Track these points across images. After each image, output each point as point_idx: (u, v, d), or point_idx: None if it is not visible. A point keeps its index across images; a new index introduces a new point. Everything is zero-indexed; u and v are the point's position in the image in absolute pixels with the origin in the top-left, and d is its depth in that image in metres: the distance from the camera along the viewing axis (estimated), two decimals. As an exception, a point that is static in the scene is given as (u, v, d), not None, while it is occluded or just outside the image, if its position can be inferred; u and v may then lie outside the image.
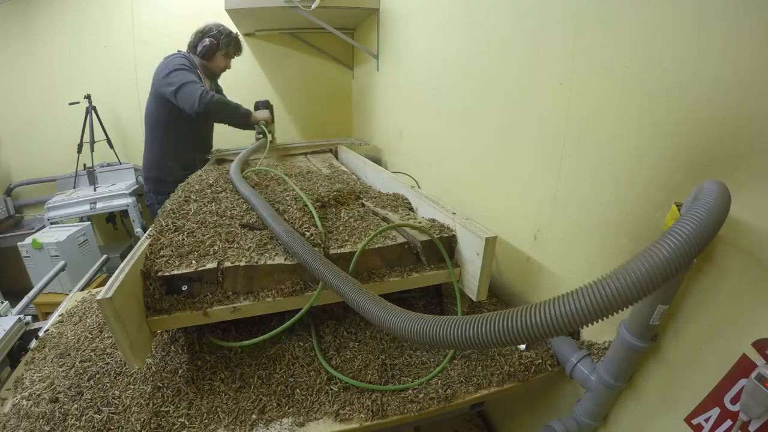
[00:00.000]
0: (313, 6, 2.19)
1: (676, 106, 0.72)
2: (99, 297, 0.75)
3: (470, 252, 1.01)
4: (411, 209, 1.33)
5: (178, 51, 2.20)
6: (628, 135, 0.83)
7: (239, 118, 2.22)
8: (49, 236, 2.52)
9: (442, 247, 1.03)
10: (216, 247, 1.00)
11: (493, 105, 1.32)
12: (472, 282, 1.02)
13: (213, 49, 2.18)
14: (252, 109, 2.34)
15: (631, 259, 0.52)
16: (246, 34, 3.19)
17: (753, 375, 0.60)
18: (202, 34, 2.20)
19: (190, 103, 1.96)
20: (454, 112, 1.60)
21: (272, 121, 2.38)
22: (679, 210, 0.65)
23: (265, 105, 2.39)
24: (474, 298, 1.03)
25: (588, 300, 0.52)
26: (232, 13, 2.49)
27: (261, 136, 2.26)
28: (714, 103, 0.66)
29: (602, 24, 0.88)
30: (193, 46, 2.22)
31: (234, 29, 2.35)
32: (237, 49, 2.30)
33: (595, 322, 0.52)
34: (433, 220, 1.19)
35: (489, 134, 1.36)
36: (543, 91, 1.07)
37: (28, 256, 2.51)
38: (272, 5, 2.30)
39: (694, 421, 0.73)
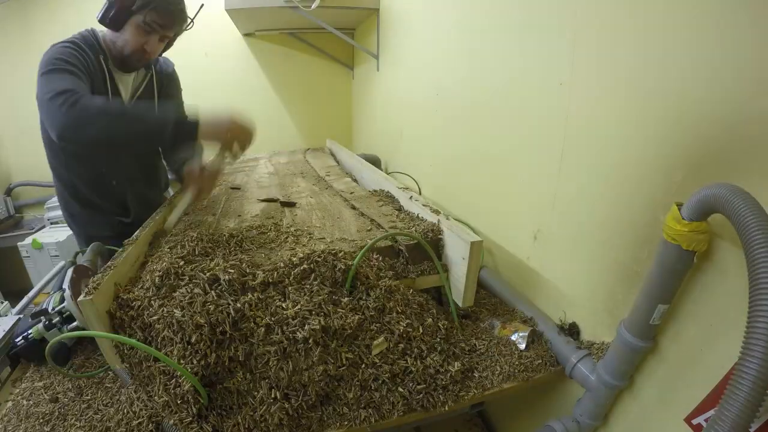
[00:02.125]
0: (313, 6, 2.19)
1: (677, 105, 0.72)
2: (80, 299, 0.74)
3: (456, 256, 0.99)
4: (399, 210, 1.30)
5: (88, 29, 1.34)
6: (628, 135, 0.83)
7: (157, 137, 1.12)
8: (49, 236, 2.53)
9: (430, 249, 1.01)
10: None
11: (493, 105, 1.32)
12: (457, 287, 1.01)
13: (120, 15, 1.24)
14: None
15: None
16: (246, 34, 3.19)
17: (753, 375, 0.60)
18: None
19: (55, 123, 1.06)
20: (453, 111, 1.60)
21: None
22: (679, 210, 0.65)
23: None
24: (460, 304, 1.01)
25: None
26: (231, 13, 2.49)
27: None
28: (714, 103, 0.66)
29: (602, 23, 0.88)
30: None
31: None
32: (162, 17, 1.25)
33: None
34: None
35: (489, 134, 1.36)
36: (543, 91, 1.07)
37: (28, 256, 2.51)
38: (272, 5, 2.30)
39: (695, 421, 0.73)
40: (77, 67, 1.18)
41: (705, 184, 0.61)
